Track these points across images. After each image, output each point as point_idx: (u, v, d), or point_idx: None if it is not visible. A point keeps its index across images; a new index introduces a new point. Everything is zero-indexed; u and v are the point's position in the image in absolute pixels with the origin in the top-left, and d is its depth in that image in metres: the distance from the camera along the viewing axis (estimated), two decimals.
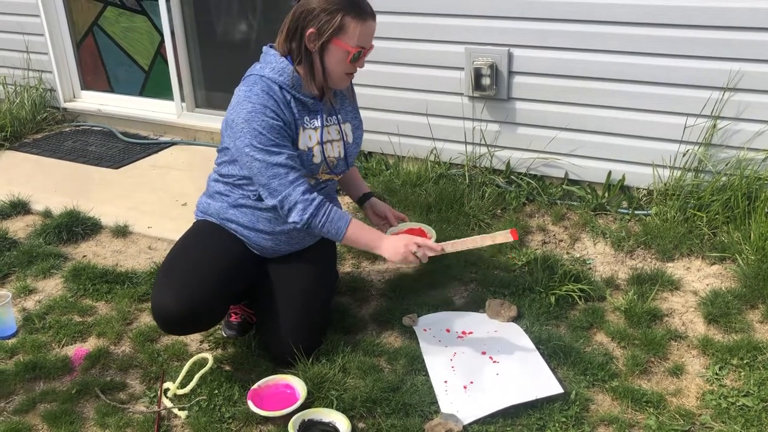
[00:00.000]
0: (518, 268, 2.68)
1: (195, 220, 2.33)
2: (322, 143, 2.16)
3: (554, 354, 2.21)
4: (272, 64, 2.09)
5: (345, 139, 2.26)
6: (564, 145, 3.13)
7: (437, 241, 2.25)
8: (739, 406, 1.99)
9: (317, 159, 2.16)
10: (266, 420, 2.01)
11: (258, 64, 2.14)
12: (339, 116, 2.25)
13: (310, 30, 2.02)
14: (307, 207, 2.06)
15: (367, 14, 2.06)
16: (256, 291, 2.29)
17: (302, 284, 2.22)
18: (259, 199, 2.16)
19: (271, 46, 2.15)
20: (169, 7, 4.03)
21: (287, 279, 2.23)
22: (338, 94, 2.27)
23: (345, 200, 3.18)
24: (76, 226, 3.11)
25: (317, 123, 2.16)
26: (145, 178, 3.75)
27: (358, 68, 2.15)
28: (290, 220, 2.09)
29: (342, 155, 2.25)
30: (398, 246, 2.09)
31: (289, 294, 2.20)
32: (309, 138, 2.15)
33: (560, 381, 2.08)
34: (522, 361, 2.17)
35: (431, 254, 2.09)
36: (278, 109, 2.05)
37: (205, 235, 2.24)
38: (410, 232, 2.40)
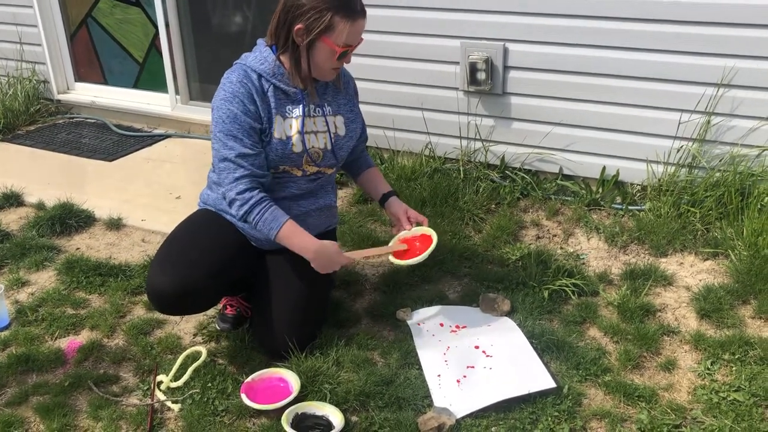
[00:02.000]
0: (512, 262, 2.69)
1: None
2: (302, 133, 2.15)
3: (547, 348, 2.22)
4: (255, 53, 2.13)
5: (335, 131, 2.24)
6: (558, 141, 3.14)
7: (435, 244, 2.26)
8: (730, 400, 2.00)
9: (297, 149, 2.15)
10: (259, 413, 2.01)
11: (246, 53, 2.17)
12: (328, 108, 2.23)
13: (298, 26, 2.02)
14: (242, 205, 2.07)
15: (356, 13, 2.03)
16: (254, 284, 2.29)
17: (299, 278, 2.21)
18: None
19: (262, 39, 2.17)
20: None
21: (284, 272, 2.22)
22: (330, 85, 2.25)
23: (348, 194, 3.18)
24: (70, 219, 3.10)
25: (299, 112, 2.16)
26: (139, 170, 3.74)
27: (345, 63, 2.15)
28: (232, 213, 2.12)
29: (329, 147, 2.23)
30: (327, 269, 2.15)
31: (284, 287, 2.20)
32: (290, 126, 2.14)
33: (553, 375, 2.08)
34: (515, 356, 2.17)
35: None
36: (248, 98, 2.07)
37: (203, 221, 2.26)
38: (423, 238, 2.28)
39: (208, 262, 2.09)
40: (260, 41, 2.16)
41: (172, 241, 2.18)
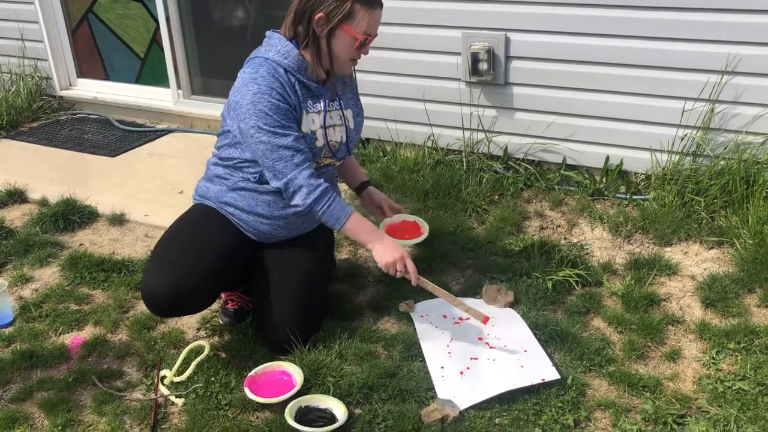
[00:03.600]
0: (515, 253, 2.68)
1: (192, 204, 2.33)
2: (325, 127, 2.17)
3: (551, 339, 2.21)
4: (277, 47, 2.10)
5: (346, 124, 2.27)
6: (561, 130, 3.12)
7: (430, 232, 2.46)
8: (735, 390, 1.99)
9: (320, 143, 2.17)
10: (263, 407, 2.01)
11: (262, 48, 2.14)
12: (341, 102, 2.26)
13: (319, 14, 2.03)
14: (311, 192, 2.07)
15: (375, 3, 2.07)
16: (252, 278, 2.29)
17: (298, 271, 2.21)
18: (260, 181, 2.16)
19: (274, 31, 2.15)
20: None
21: (283, 266, 2.22)
22: (340, 80, 2.27)
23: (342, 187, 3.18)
24: (73, 215, 3.11)
25: (320, 107, 2.17)
26: (142, 165, 3.74)
27: (362, 55, 2.15)
28: (293, 202, 2.11)
29: (344, 140, 2.26)
30: (388, 255, 2.12)
31: (284, 281, 2.19)
32: (312, 122, 2.15)
33: (557, 366, 2.08)
34: (519, 347, 2.17)
35: (409, 278, 2.15)
36: (284, 91, 2.06)
37: (199, 219, 2.24)
38: (404, 224, 2.45)
39: (204, 265, 2.07)
40: (274, 34, 2.13)
41: (167, 243, 2.16)
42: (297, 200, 2.09)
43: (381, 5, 2.10)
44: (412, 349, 2.20)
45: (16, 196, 3.34)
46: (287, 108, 2.06)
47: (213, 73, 4.22)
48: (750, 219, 2.63)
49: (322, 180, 2.10)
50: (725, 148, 2.84)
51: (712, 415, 1.90)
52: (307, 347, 2.16)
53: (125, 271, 2.71)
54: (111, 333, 2.39)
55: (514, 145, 3.24)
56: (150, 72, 4.40)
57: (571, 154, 3.14)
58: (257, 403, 1.99)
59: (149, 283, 2.04)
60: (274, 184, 2.10)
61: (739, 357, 2.11)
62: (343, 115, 2.26)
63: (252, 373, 2.08)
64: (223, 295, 2.39)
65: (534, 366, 2.07)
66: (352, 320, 2.37)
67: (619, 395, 2.00)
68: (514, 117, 3.20)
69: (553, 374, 2.03)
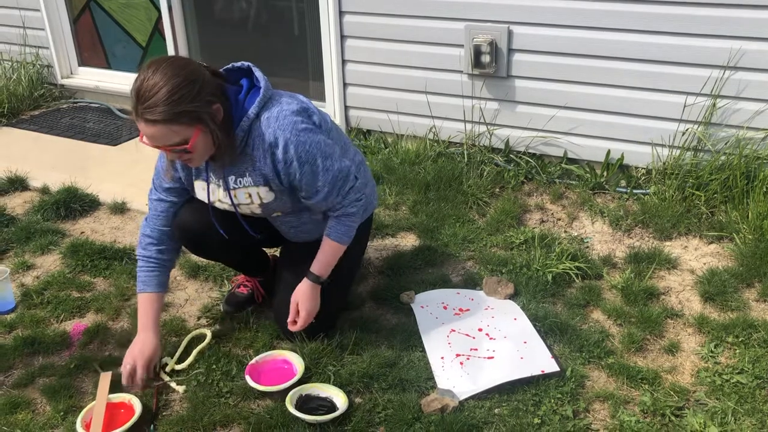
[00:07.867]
0: (516, 246, 2.69)
1: None
2: (208, 202, 2.09)
3: (551, 331, 2.22)
4: None
5: (259, 201, 2.05)
6: (563, 124, 3.12)
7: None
8: (733, 383, 2.00)
9: (222, 207, 2.11)
10: (264, 395, 2.02)
11: None
12: (248, 179, 2.00)
13: None
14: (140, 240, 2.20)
15: (137, 113, 1.79)
16: (276, 267, 2.33)
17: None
18: None
19: None
20: None
21: (308, 255, 2.14)
22: (248, 156, 1.97)
23: None
24: (74, 203, 3.11)
25: (204, 179, 2.07)
26: (143, 154, 3.73)
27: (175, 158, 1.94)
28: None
29: (255, 210, 2.10)
30: (128, 355, 2.05)
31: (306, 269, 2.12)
32: (202, 189, 2.09)
33: (556, 358, 2.09)
34: (518, 338, 2.18)
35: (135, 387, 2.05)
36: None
37: None
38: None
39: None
40: None
41: None
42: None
43: (144, 121, 1.77)
44: (413, 340, 2.21)
45: (18, 184, 3.35)
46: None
47: (215, 62, 4.18)
48: (750, 214, 2.64)
49: (145, 242, 2.16)
50: (726, 143, 2.85)
51: (710, 407, 1.92)
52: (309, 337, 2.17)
53: (127, 259, 2.72)
54: (112, 320, 2.40)
55: (515, 138, 3.24)
56: None
57: (573, 147, 3.15)
58: (258, 391, 2.00)
59: (180, 217, 2.14)
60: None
61: (738, 350, 2.13)
62: (230, 195, 2.03)
63: (253, 361, 2.09)
64: (240, 278, 2.42)
65: (533, 358, 2.08)
66: (353, 310, 2.38)
67: (617, 387, 2.02)
68: (515, 110, 3.20)
69: (552, 366, 2.04)
